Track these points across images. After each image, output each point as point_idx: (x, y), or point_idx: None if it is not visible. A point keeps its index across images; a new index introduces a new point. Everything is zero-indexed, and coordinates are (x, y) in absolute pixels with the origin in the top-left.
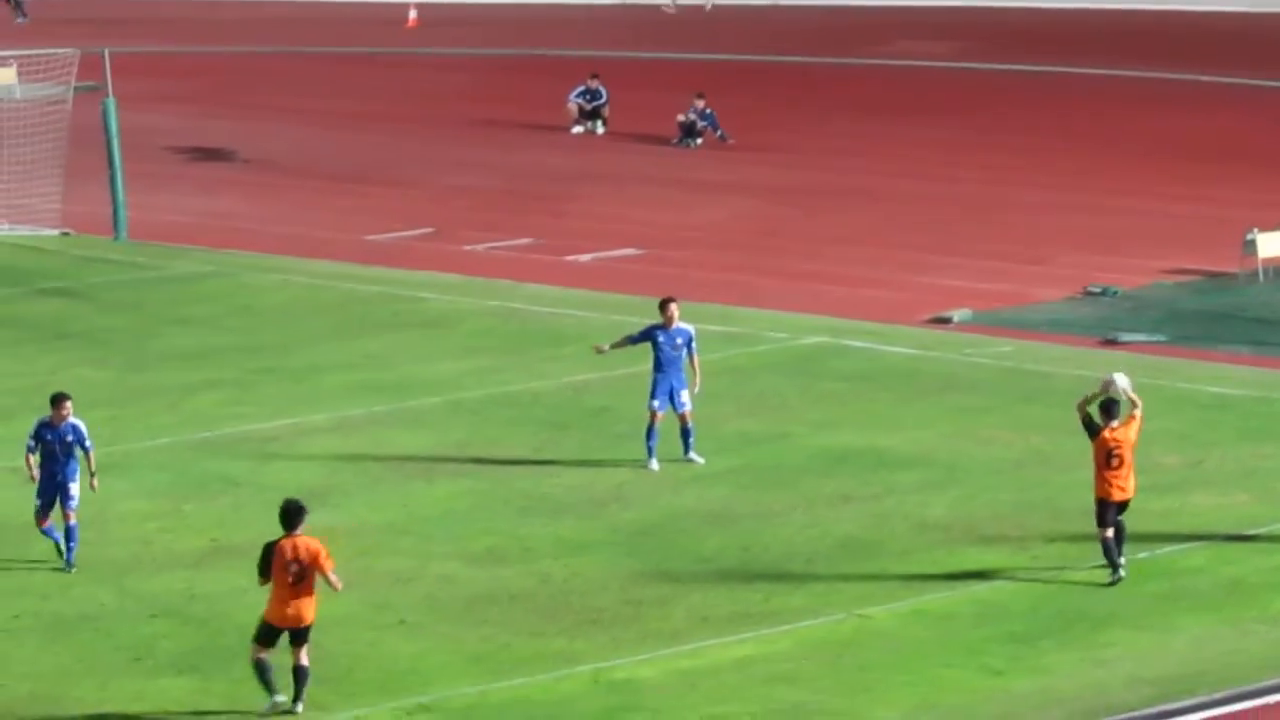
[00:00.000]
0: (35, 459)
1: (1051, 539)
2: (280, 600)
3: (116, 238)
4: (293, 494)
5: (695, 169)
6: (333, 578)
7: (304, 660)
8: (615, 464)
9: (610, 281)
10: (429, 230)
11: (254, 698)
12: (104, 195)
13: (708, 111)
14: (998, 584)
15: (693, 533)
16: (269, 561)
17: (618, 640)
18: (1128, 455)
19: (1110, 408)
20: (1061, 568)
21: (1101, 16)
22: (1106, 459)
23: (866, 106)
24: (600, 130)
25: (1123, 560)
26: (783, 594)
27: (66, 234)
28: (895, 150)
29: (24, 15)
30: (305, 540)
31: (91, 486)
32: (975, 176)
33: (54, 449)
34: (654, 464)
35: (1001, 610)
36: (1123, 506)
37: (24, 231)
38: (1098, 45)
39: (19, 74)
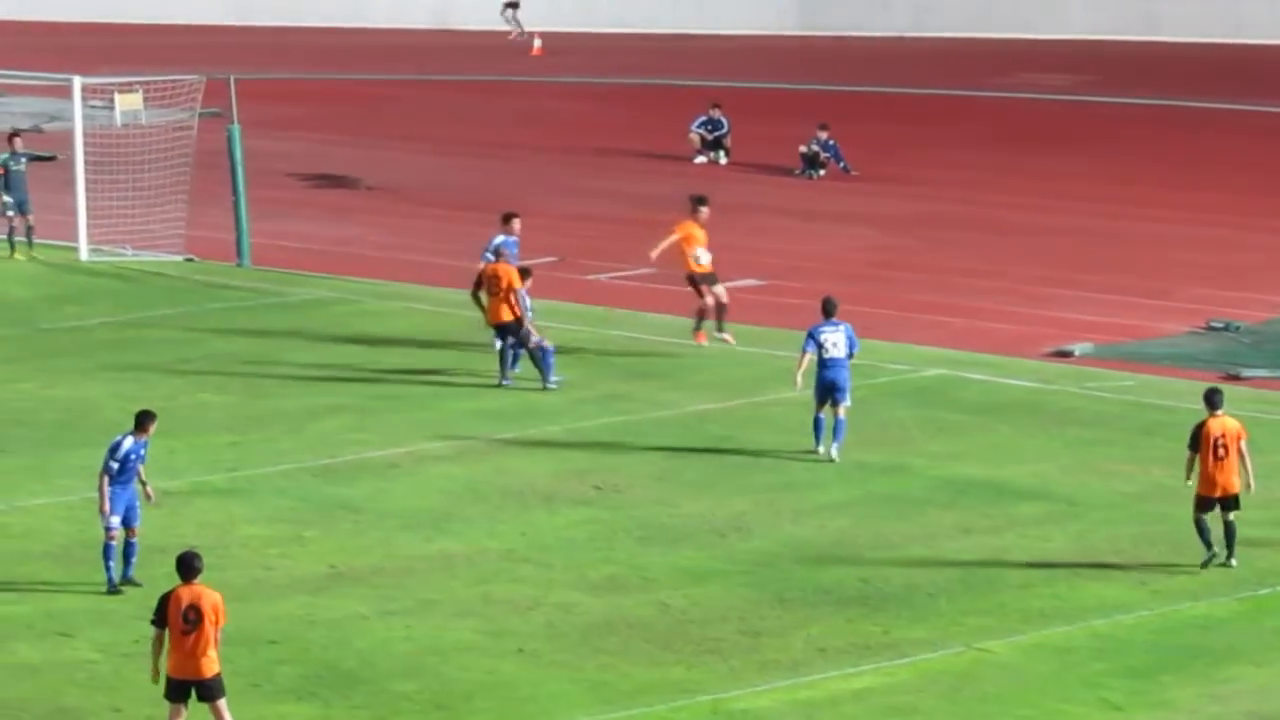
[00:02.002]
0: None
1: (1172, 573)
2: (175, 650)
3: (240, 264)
4: (414, 520)
5: (817, 200)
6: (219, 637)
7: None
8: (735, 494)
9: (732, 312)
10: (552, 259)
11: None
12: (228, 221)
13: (830, 142)
14: (1117, 618)
15: (812, 563)
16: (163, 610)
17: (736, 670)
18: (1233, 446)
19: (1213, 397)
20: (1182, 602)
21: (1227, 50)
22: (1213, 449)
23: (989, 138)
24: (723, 160)
25: (1233, 561)
26: (902, 626)
27: (190, 259)
28: (1017, 182)
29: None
30: (205, 591)
31: (149, 496)
32: (1097, 209)
33: (135, 466)
34: (821, 450)
35: (1121, 644)
36: (1227, 502)
37: (148, 257)
38: (1222, 78)
39: (145, 99)
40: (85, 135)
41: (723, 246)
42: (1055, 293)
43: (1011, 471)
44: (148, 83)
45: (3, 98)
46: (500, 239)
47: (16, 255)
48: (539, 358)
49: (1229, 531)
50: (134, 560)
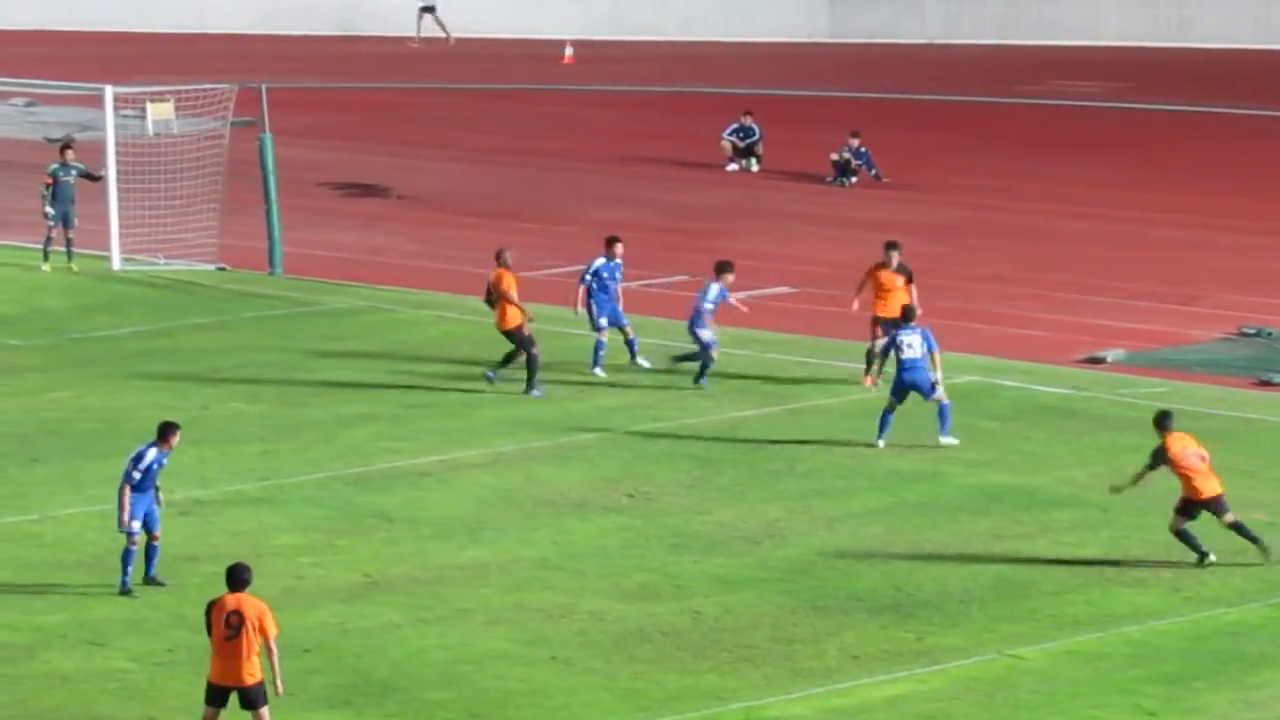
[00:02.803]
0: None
1: (1205, 580)
2: (217, 655)
3: (272, 272)
4: (447, 529)
5: (849, 207)
6: (273, 644)
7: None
8: (768, 501)
9: (763, 319)
10: (583, 267)
11: None
12: (260, 230)
13: (862, 149)
14: (1151, 624)
15: (845, 571)
16: (209, 616)
17: (769, 678)
18: (1201, 453)
19: (1164, 420)
20: (1215, 608)
21: (1259, 55)
22: (1188, 461)
23: (1021, 145)
24: (754, 168)
25: (1268, 547)
26: (935, 633)
27: (222, 268)
28: (1049, 189)
29: None
30: (250, 599)
31: (159, 502)
32: (1129, 215)
33: (155, 475)
34: (881, 443)
35: (1154, 651)
36: (1214, 506)
37: (180, 266)
38: (1255, 84)
39: (177, 108)
40: (117, 145)
41: (754, 254)
42: (1087, 299)
43: (1044, 478)
44: (180, 92)
45: (36, 107)
46: (599, 262)
47: (46, 266)
48: (533, 361)
49: (1242, 530)
50: (155, 560)
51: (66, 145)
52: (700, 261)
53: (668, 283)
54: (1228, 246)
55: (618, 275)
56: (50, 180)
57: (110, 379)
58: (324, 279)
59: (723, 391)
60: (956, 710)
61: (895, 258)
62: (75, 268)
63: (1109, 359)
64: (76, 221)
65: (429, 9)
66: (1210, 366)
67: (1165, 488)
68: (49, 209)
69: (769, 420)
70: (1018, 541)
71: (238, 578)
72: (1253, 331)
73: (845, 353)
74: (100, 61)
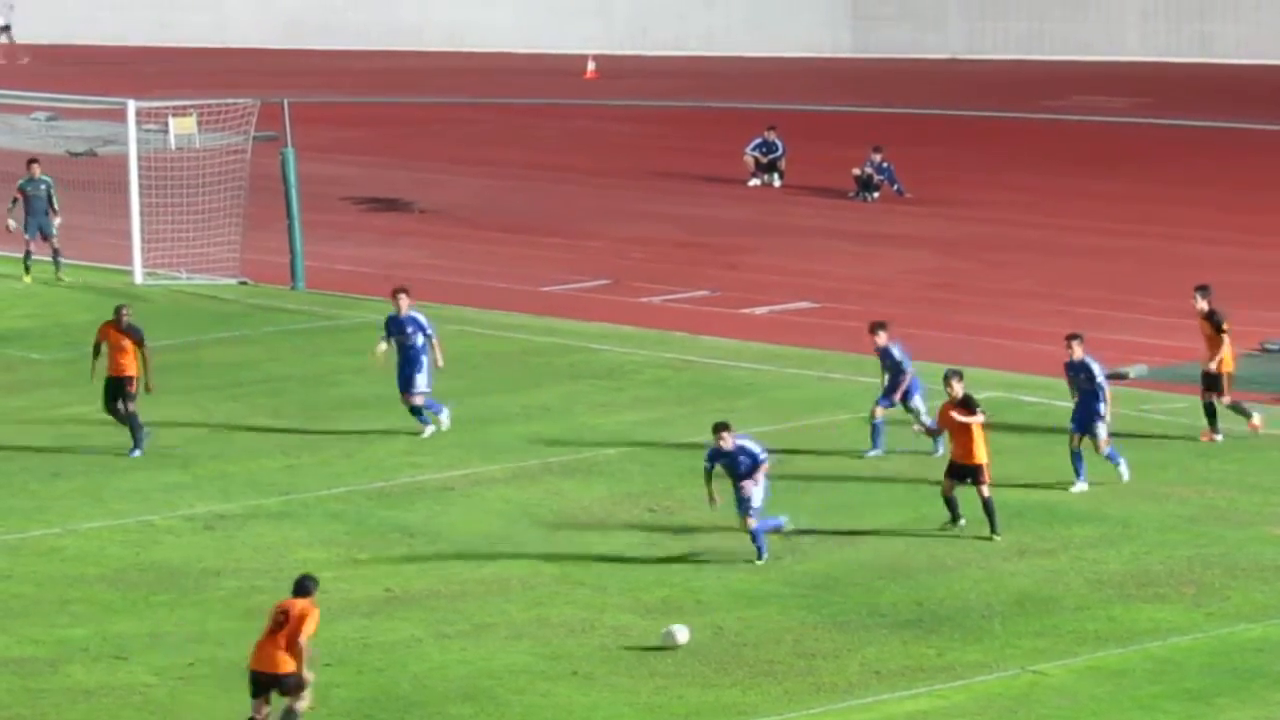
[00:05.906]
0: None
1: (1227, 595)
2: (259, 644)
3: (294, 287)
4: (469, 543)
5: (872, 222)
6: (304, 643)
7: (297, 705)
8: (790, 516)
9: (785, 335)
10: (605, 282)
11: None
12: (282, 245)
13: (885, 165)
14: (1173, 640)
15: (867, 586)
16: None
17: (790, 693)
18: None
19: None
20: (1238, 624)
21: (1278, 71)
22: None
23: (1043, 160)
24: (777, 183)
25: (962, 521)
26: (957, 648)
27: (245, 283)
28: (1071, 204)
29: None
30: (301, 601)
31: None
32: (1151, 231)
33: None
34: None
35: (1176, 667)
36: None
37: (202, 280)
38: (1276, 99)
39: (199, 123)
40: (140, 159)
41: (776, 269)
42: (1110, 314)
43: (1066, 494)
44: (202, 106)
45: (58, 121)
46: (389, 315)
47: (27, 279)
48: (137, 422)
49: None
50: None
51: (33, 160)
52: (722, 277)
53: (689, 297)
54: (1251, 262)
55: (408, 329)
56: (19, 195)
57: None
58: (346, 293)
59: (743, 407)
60: None
61: None
62: (65, 278)
63: (1132, 374)
64: (55, 230)
65: (4, 28)
66: (1232, 383)
67: (1190, 507)
68: (10, 221)
69: (789, 435)
70: (1039, 557)
71: (298, 584)
72: (1275, 348)
73: (866, 368)
74: (122, 76)
